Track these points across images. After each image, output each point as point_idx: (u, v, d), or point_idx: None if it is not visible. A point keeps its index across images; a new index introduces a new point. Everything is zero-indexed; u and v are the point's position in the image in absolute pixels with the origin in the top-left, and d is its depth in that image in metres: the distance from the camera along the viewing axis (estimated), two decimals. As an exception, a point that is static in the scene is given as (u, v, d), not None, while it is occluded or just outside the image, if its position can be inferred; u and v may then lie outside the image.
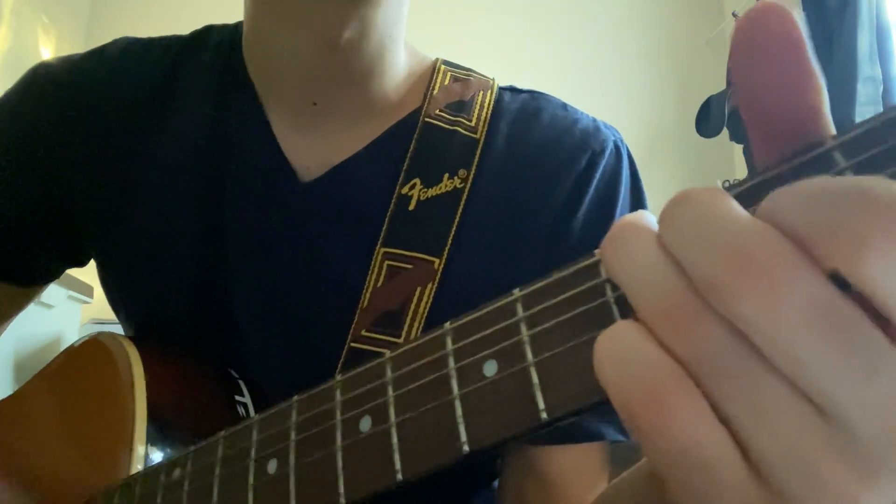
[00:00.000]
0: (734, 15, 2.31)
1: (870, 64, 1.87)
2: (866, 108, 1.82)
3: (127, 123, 0.50)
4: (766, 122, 0.19)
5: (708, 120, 2.34)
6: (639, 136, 2.48)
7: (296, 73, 0.46)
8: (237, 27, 0.52)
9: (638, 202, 0.49)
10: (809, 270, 0.15)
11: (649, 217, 0.19)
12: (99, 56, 0.52)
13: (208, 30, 0.54)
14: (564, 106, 0.52)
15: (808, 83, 0.18)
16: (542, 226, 0.46)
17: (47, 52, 2.18)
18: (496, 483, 0.54)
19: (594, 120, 0.51)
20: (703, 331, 0.16)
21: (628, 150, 0.50)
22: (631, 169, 0.49)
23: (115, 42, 0.54)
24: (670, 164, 2.53)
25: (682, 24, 2.69)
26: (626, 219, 0.18)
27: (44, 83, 0.52)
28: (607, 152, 0.48)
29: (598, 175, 0.47)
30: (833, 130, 0.18)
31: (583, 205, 0.46)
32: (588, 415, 0.43)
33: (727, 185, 0.19)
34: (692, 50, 2.66)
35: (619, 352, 0.17)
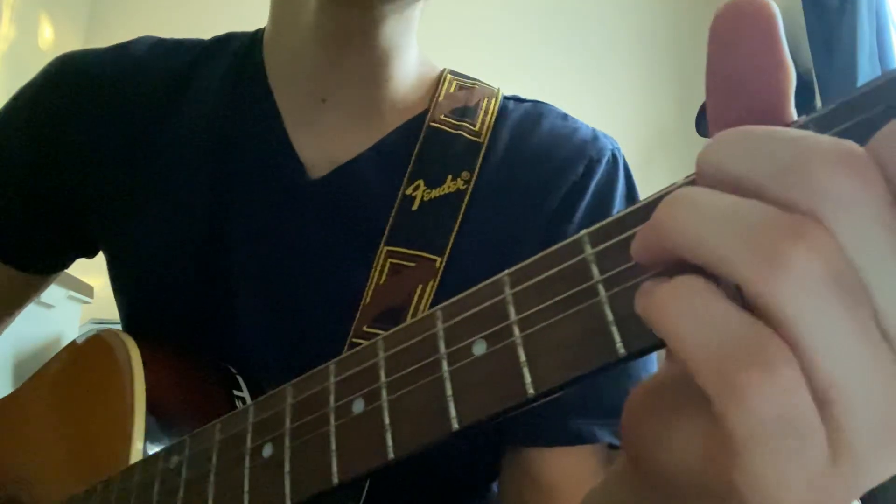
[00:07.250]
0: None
1: (870, 64, 1.87)
2: (866, 107, 1.81)
3: (142, 115, 0.52)
4: (736, 108, 0.20)
5: (708, 120, 2.33)
6: (639, 136, 2.48)
7: (306, 69, 0.49)
8: (257, 32, 0.55)
9: None
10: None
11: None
12: (122, 51, 0.55)
13: (228, 36, 0.56)
14: (565, 116, 0.53)
15: (782, 70, 0.19)
16: (537, 228, 0.47)
17: (47, 51, 2.19)
18: (494, 487, 0.54)
19: (593, 130, 0.52)
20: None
21: (625, 160, 0.52)
22: (626, 177, 0.51)
23: (139, 39, 0.56)
24: (670, 164, 2.53)
25: (682, 24, 2.69)
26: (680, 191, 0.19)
27: (64, 73, 0.54)
28: (604, 161, 0.49)
29: (594, 183, 0.48)
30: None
31: (578, 210, 0.47)
32: (582, 418, 0.44)
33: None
34: (692, 50, 2.66)
35: (700, 310, 0.16)
